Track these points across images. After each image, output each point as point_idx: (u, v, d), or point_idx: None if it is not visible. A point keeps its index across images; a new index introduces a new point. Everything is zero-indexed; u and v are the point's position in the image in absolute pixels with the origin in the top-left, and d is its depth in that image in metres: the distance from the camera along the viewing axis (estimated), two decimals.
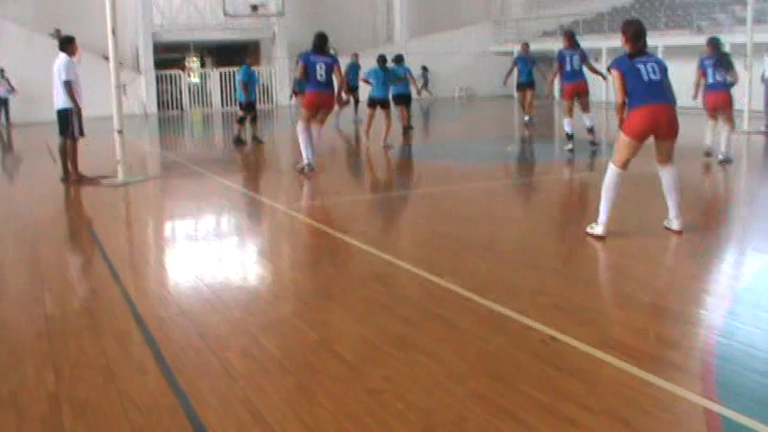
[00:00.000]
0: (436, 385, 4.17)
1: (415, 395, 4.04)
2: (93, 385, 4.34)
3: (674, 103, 7.18)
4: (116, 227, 9.25)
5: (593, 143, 14.23)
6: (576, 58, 13.83)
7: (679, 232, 7.39)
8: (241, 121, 17.33)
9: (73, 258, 7.89)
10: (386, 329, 5.10)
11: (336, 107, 13.17)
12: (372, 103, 16.41)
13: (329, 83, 12.07)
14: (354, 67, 21.27)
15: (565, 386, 4.09)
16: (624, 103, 7.15)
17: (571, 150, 13.82)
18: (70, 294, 6.32)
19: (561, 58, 14.00)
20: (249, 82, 17.16)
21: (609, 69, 7.29)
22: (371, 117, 16.57)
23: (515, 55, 22.55)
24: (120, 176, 11.87)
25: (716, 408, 3.82)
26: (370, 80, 16.42)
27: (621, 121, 7.24)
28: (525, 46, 20.08)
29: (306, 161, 12.22)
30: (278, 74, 32.01)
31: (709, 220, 8.60)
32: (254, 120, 17.58)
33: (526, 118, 19.64)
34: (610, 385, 4.11)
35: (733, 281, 6.28)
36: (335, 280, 6.65)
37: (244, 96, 17.16)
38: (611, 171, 7.36)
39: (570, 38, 14.20)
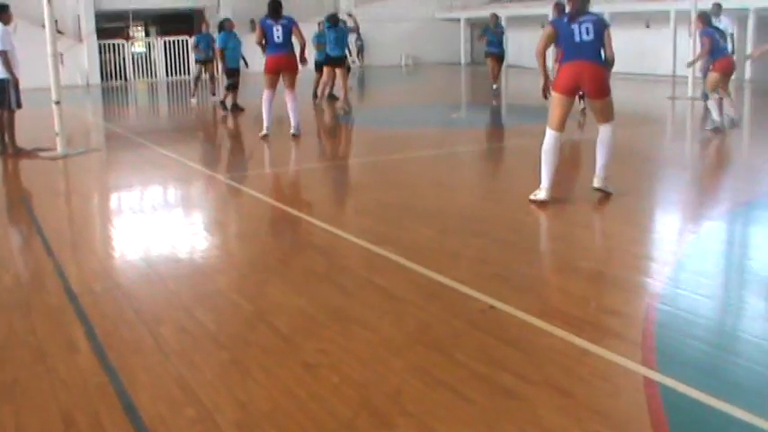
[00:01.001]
0: (372, 357, 4.10)
1: (350, 368, 3.97)
2: (21, 365, 4.19)
3: (602, 62, 7.26)
4: (53, 201, 9.00)
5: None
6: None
7: (598, 190, 7.45)
8: (228, 87, 16.84)
9: (7, 234, 7.64)
10: (323, 301, 5.02)
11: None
12: (330, 62, 16.21)
13: (287, 44, 11.89)
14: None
15: (503, 356, 4.04)
16: (545, 48, 7.37)
17: None
18: (1, 271, 6.11)
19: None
20: (227, 48, 16.72)
21: (543, 26, 7.38)
22: (331, 77, 16.42)
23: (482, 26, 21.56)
24: (59, 149, 11.58)
25: (655, 376, 3.80)
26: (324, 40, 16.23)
27: (543, 69, 7.39)
28: (493, 16, 19.66)
29: (265, 131, 12.21)
30: None
31: (653, 185, 8.59)
32: (233, 87, 16.94)
33: (494, 86, 19.45)
34: (548, 354, 4.07)
35: (675, 246, 6.28)
36: (274, 251, 6.54)
37: (228, 63, 16.75)
38: (548, 134, 7.41)
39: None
